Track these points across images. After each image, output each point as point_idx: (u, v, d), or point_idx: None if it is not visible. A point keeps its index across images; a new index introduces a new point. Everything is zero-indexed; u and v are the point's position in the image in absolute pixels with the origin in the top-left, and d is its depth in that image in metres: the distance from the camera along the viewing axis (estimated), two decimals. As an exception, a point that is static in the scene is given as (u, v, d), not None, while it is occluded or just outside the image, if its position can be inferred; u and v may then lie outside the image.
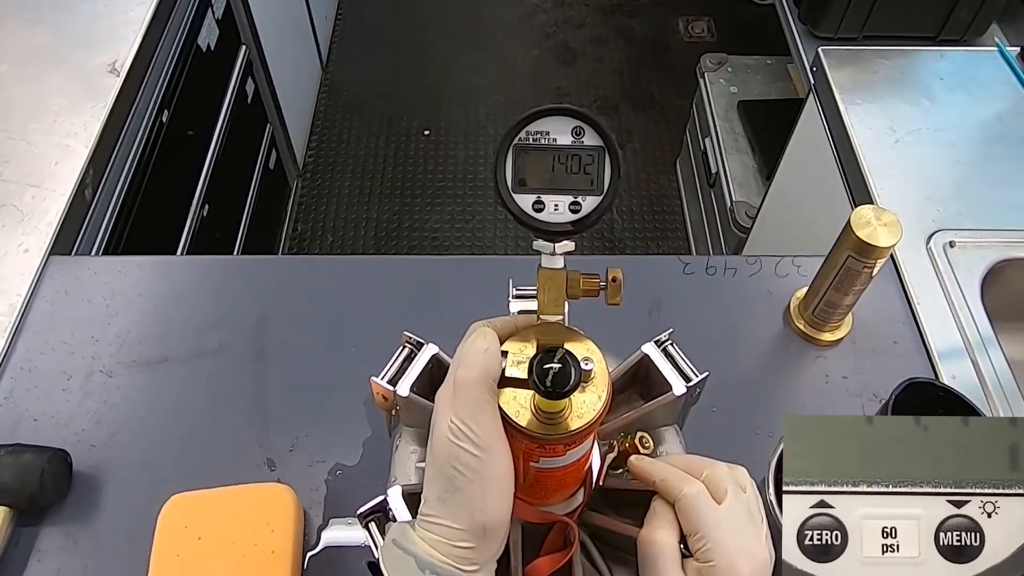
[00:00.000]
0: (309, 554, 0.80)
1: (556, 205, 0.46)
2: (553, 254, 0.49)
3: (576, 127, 0.46)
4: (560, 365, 0.45)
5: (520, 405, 0.47)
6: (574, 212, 0.46)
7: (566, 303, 0.51)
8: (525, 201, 0.47)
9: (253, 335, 0.96)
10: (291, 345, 0.96)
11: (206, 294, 1.01)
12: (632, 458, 0.58)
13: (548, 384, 0.44)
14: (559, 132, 0.46)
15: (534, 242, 0.49)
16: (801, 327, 0.96)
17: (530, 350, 0.48)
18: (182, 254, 1.53)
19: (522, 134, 0.46)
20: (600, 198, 0.46)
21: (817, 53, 1.35)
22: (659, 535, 0.52)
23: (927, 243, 1.05)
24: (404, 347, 0.65)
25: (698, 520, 0.51)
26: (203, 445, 0.88)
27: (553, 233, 0.47)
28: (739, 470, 0.54)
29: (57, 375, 0.92)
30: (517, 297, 0.60)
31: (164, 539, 0.77)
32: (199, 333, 0.96)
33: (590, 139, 0.46)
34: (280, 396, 0.92)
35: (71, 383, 0.92)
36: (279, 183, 2.30)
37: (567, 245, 0.49)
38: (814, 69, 1.38)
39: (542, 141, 0.46)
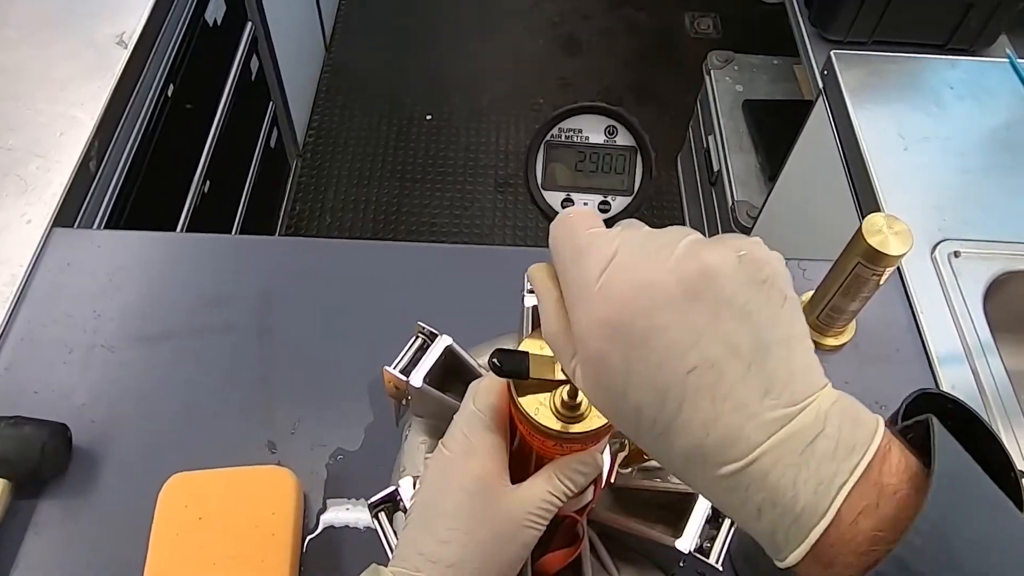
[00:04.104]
0: (308, 537, 0.80)
1: (585, 203, 0.46)
2: (579, 253, 0.49)
3: (609, 126, 0.45)
4: None
5: (539, 403, 0.47)
6: (603, 211, 0.46)
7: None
8: (554, 198, 0.46)
9: (256, 315, 0.96)
10: (293, 327, 0.95)
11: (210, 272, 1.00)
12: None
13: None
14: (592, 130, 0.46)
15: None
16: (805, 331, 0.96)
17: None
18: (182, 230, 1.52)
19: (554, 131, 0.46)
20: (630, 199, 0.46)
21: (829, 57, 1.35)
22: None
23: (932, 252, 1.06)
24: (417, 337, 0.65)
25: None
26: (204, 424, 0.87)
27: (580, 232, 0.47)
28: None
29: (58, 348, 0.92)
30: (532, 292, 0.60)
31: (164, 517, 0.77)
32: (202, 311, 0.96)
33: (623, 139, 0.46)
34: (282, 377, 0.91)
35: (72, 356, 0.91)
36: (279, 162, 2.28)
37: (593, 244, 0.48)
38: (825, 73, 1.37)
39: (574, 139, 0.46)
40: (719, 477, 0.33)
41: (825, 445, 0.32)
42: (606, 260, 0.35)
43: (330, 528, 0.81)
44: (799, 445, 0.32)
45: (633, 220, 0.39)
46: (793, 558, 0.33)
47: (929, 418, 0.34)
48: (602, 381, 0.35)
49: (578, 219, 0.38)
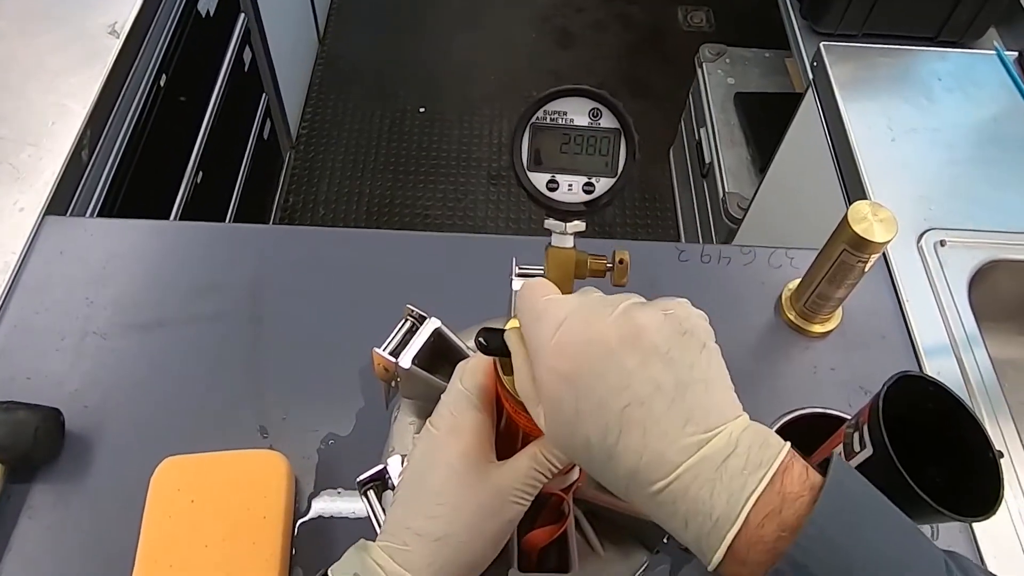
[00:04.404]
0: (300, 521, 0.81)
1: (570, 185, 0.47)
2: (564, 233, 0.50)
3: (593, 109, 0.46)
4: None
5: (524, 380, 0.48)
6: (587, 193, 0.47)
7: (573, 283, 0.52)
8: (539, 179, 0.47)
9: (248, 303, 0.97)
10: (286, 313, 0.96)
11: (202, 260, 1.01)
12: None
13: None
14: (576, 113, 0.46)
15: (546, 220, 0.50)
16: (792, 318, 0.97)
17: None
18: (175, 220, 1.52)
19: (539, 113, 0.47)
20: (614, 180, 0.47)
21: (818, 48, 1.35)
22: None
23: (918, 241, 1.07)
24: (406, 320, 0.66)
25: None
26: (196, 409, 0.88)
27: (565, 212, 0.48)
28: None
29: (51, 335, 0.92)
30: (521, 275, 0.61)
31: (156, 501, 0.77)
32: (194, 298, 0.96)
33: (607, 121, 0.46)
34: (274, 364, 0.92)
35: (65, 343, 0.92)
36: (272, 153, 2.28)
37: (578, 225, 0.49)
38: (815, 64, 1.38)
39: (559, 121, 0.46)
40: (651, 494, 0.39)
41: (736, 463, 0.38)
42: (558, 322, 0.42)
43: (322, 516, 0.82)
44: (714, 464, 0.38)
45: (589, 288, 0.46)
46: (715, 560, 0.37)
47: (833, 452, 0.40)
48: (558, 419, 0.41)
49: (536, 288, 0.45)
